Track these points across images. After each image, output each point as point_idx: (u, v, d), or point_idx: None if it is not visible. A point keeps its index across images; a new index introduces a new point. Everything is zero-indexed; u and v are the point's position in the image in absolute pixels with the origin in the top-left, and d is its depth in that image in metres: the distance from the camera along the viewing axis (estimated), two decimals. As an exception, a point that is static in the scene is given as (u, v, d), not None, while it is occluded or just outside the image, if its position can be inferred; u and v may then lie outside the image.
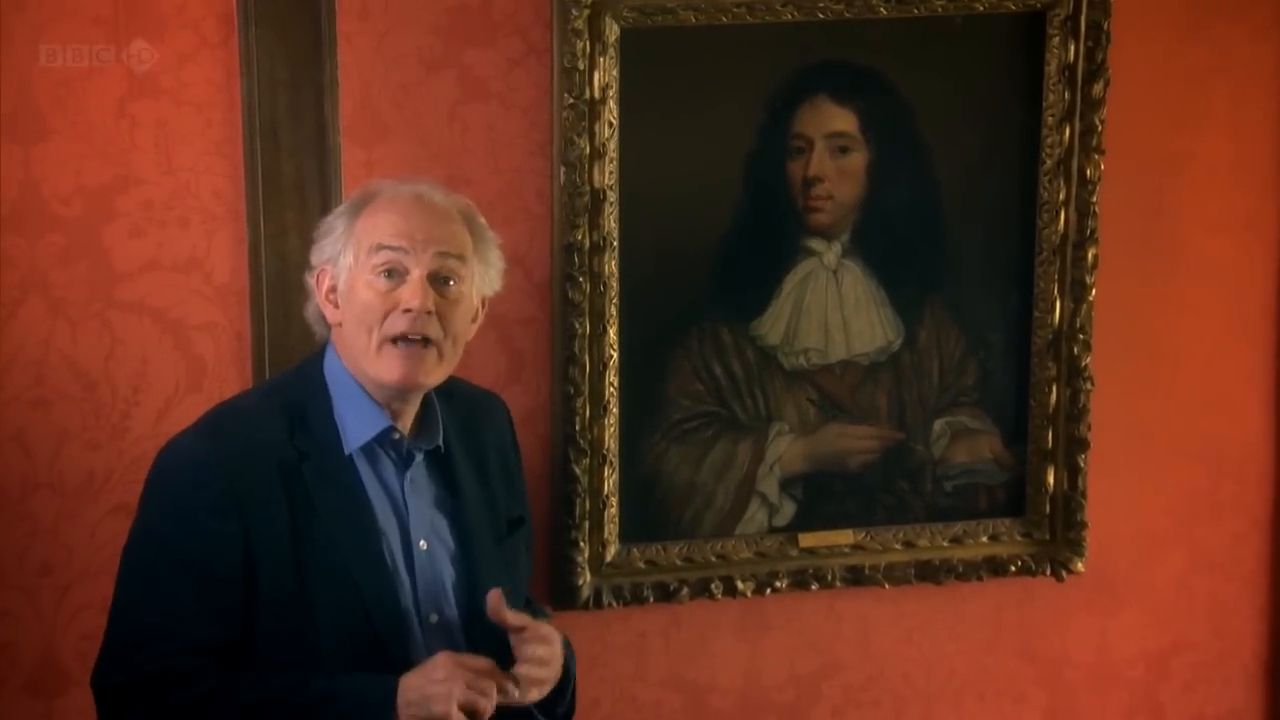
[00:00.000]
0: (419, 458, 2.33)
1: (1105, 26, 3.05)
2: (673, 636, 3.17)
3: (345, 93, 2.84)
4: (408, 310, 2.22)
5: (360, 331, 2.25)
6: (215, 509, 2.20)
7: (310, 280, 2.33)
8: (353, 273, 2.24)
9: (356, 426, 2.28)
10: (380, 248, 2.23)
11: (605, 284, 2.98)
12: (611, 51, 2.90)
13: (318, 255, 2.30)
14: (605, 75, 2.90)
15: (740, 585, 3.13)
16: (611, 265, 2.97)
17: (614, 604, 3.09)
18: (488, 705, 2.14)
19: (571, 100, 2.90)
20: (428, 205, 2.27)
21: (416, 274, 2.24)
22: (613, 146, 2.92)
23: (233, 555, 2.20)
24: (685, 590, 3.11)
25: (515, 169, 2.94)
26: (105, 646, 2.30)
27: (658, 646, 3.17)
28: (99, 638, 2.76)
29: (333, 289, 2.28)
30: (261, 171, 2.81)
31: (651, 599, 3.11)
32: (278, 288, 2.85)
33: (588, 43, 2.88)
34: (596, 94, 2.90)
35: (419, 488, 2.33)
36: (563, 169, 2.92)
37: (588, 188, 2.93)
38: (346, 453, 2.27)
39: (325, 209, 2.79)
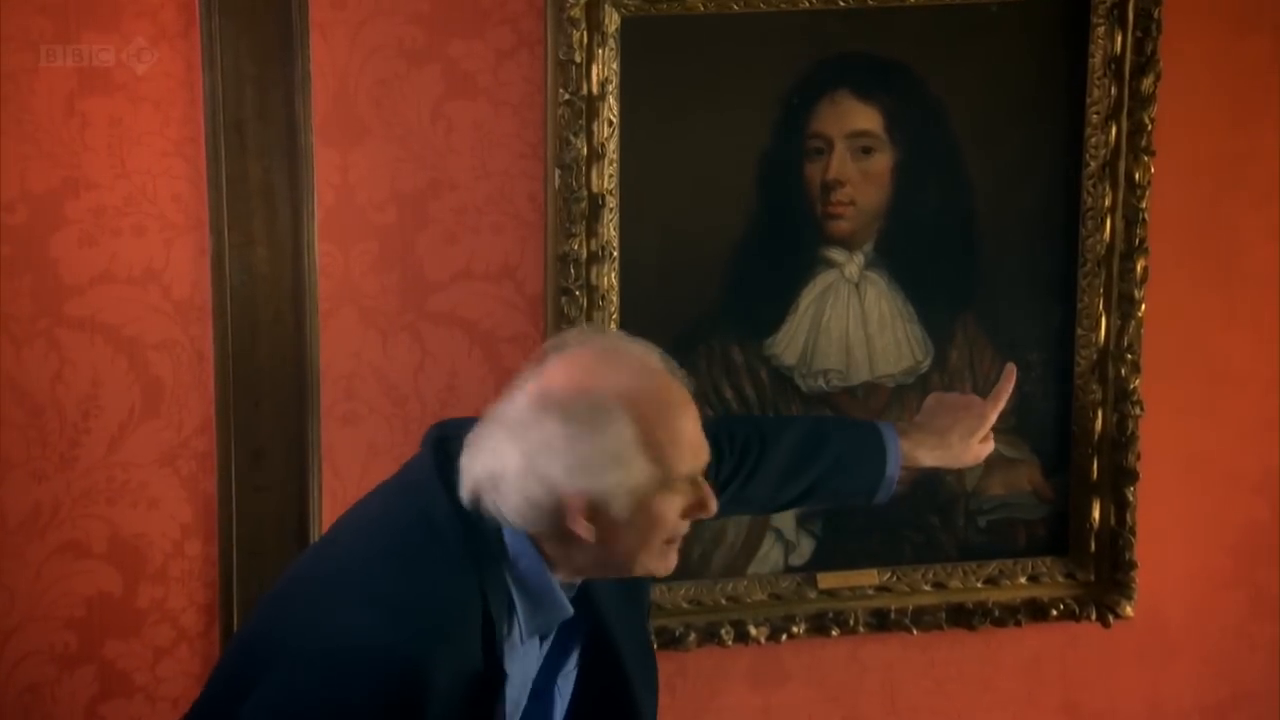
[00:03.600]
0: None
1: (1156, 15, 3.00)
2: (679, 687, 3.10)
3: (318, 89, 2.80)
4: (702, 517, 2.24)
5: (646, 543, 2.20)
6: None
7: (546, 496, 2.12)
8: (649, 495, 2.16)
9: (535, 619, 2.21)
10: (693, 477, 2.20)
11: (604, 298, 2.92)
12: (611, 43, 2.85)
13: (587, 481, 2.12)
14: (604, 69, 2.86)
15: (753, 630, 3.07)
16: (610, 277, 2.93)
17: (614, 651, 3.02)
18: None
19: (567, 96, 2.85)
20: (690, 398, 2.22)
21: (700, 477, 2.24)
22: (612, 147, 2.88)
23: None
24: (692, 636, 3.06)
25: (505, 172, 2.89)
26: None
27: (662, 699, 2.99)
28: (45, 690, 2.84)
29: (592, 511, 2.15)
30: (225, 175, 2.78)
31: (655, 646, 2.98)
32: (243, 302, 2.82)
33: (585, 33, 2.83)
34: (594, 89, 2.86)
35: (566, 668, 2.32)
36: (557, 172, 2.88)
37: (584, 192, 2.88)
38: (512, 644, 2.19)
39: (295, 215, 2.81)
